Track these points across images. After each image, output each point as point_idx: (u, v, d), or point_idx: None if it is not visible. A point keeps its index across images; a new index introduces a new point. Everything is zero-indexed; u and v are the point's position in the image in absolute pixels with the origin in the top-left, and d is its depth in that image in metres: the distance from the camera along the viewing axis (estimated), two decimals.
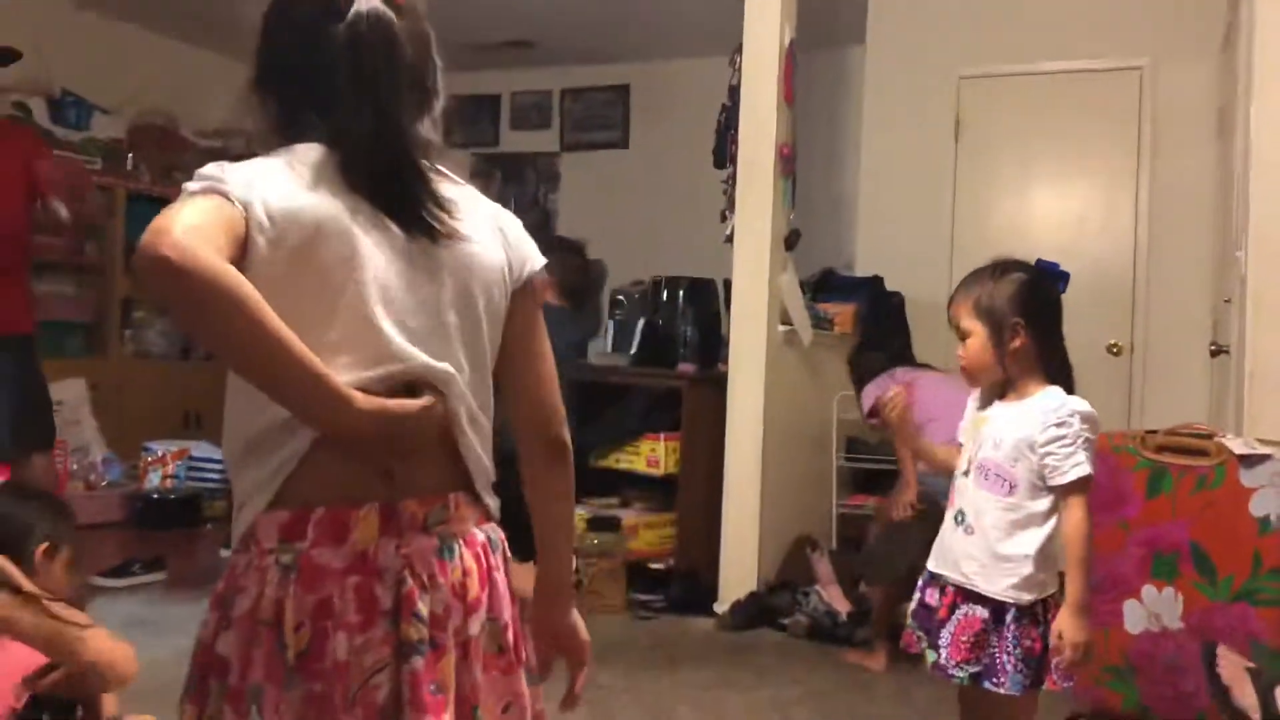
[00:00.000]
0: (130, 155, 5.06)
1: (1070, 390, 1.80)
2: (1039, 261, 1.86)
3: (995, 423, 1.82)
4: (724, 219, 3.96)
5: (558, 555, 1.21)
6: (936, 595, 1.83)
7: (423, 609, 1.01)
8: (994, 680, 1.74)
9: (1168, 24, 4.15)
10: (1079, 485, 1.72)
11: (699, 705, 2.75)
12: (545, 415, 1.18)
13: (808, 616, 3.43)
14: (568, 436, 1.19)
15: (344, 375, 0.98)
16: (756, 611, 3.50)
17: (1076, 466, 1.72)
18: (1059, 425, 1.73)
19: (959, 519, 1.83)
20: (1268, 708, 1.83)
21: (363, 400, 0.97)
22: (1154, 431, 2.58)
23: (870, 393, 3.49)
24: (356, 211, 1.02)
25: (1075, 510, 1.72)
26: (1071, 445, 1.72)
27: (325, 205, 1.01)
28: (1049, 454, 1.73)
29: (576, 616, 1.23)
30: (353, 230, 1.01)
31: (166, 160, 5.09)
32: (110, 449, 4.66)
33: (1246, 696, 1.86)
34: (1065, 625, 1.69)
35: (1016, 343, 1.78)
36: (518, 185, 5.93)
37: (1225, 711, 1.90)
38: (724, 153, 4.05)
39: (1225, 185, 3.46)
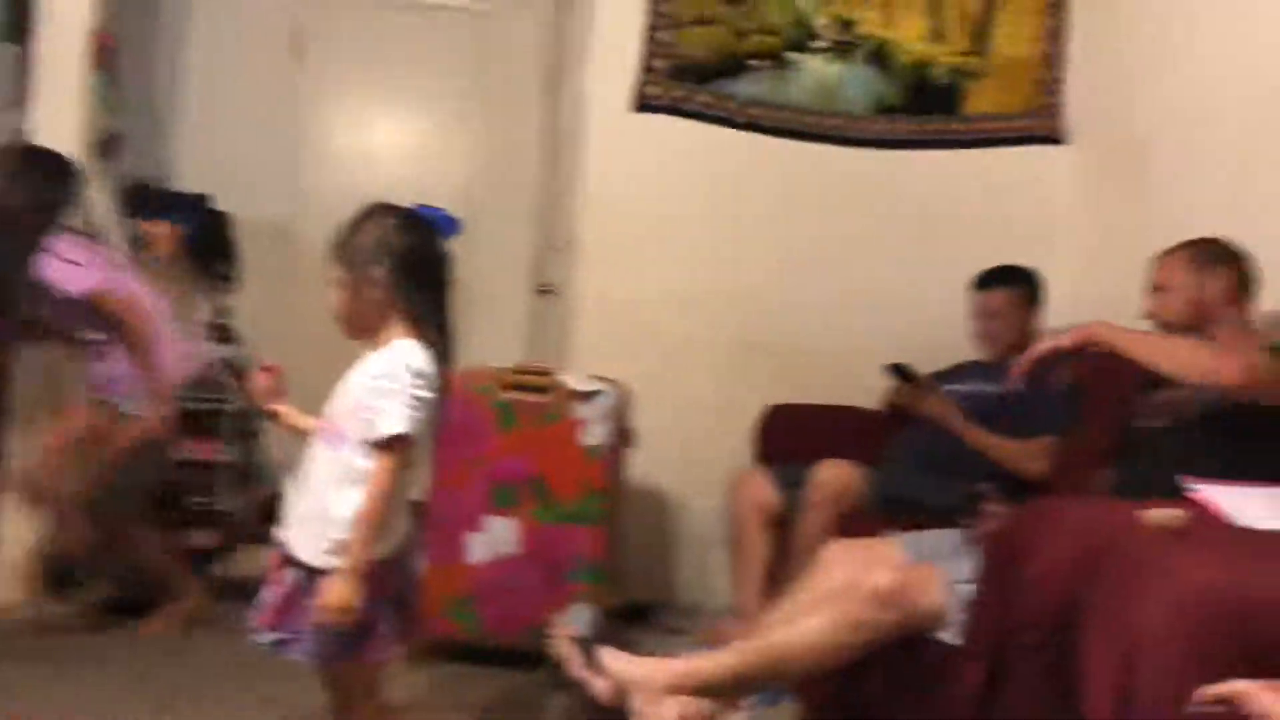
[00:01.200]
0: None
1: (443, 344, 1.82)
2: (419, 207, 1.88)
3: (352, 374, 1.82)
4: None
5: None
6: (274, 555, 1.80)
7: None
8: (296, 648, 1.72)
9: None
10: (390, 443, 1.71)
11: None
12: None
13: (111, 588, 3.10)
14: None
15: None
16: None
17: (390, 423, 1.70)
18: (385, 378, 1.73)
19: (301, 477, 1.81)
20: (596, 669, 2.10)
21: None
22: (505, 370, 2.82)
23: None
24: None
25: (379, 470, 1.71)
26: (392, 400, 1.71)
27: None
28: (369, 407, 1.72)
29: None
30: None
31: None
32: None
33: (576, 667, 2.12)
34: (328, 586, 1.69)
35: (376, 293, 1.78)
36: None
37: (563, 689, 2.16)
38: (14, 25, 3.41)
39: (554, 136, 3.88)
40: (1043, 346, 2.10)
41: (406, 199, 1.90)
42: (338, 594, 1.67)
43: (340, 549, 1.71)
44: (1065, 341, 2.06)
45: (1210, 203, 2.75)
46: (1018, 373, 2.12)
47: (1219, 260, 2.28)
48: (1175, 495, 1.70)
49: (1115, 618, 1.45)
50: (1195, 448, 2.05)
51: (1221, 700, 1.29)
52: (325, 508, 1.74)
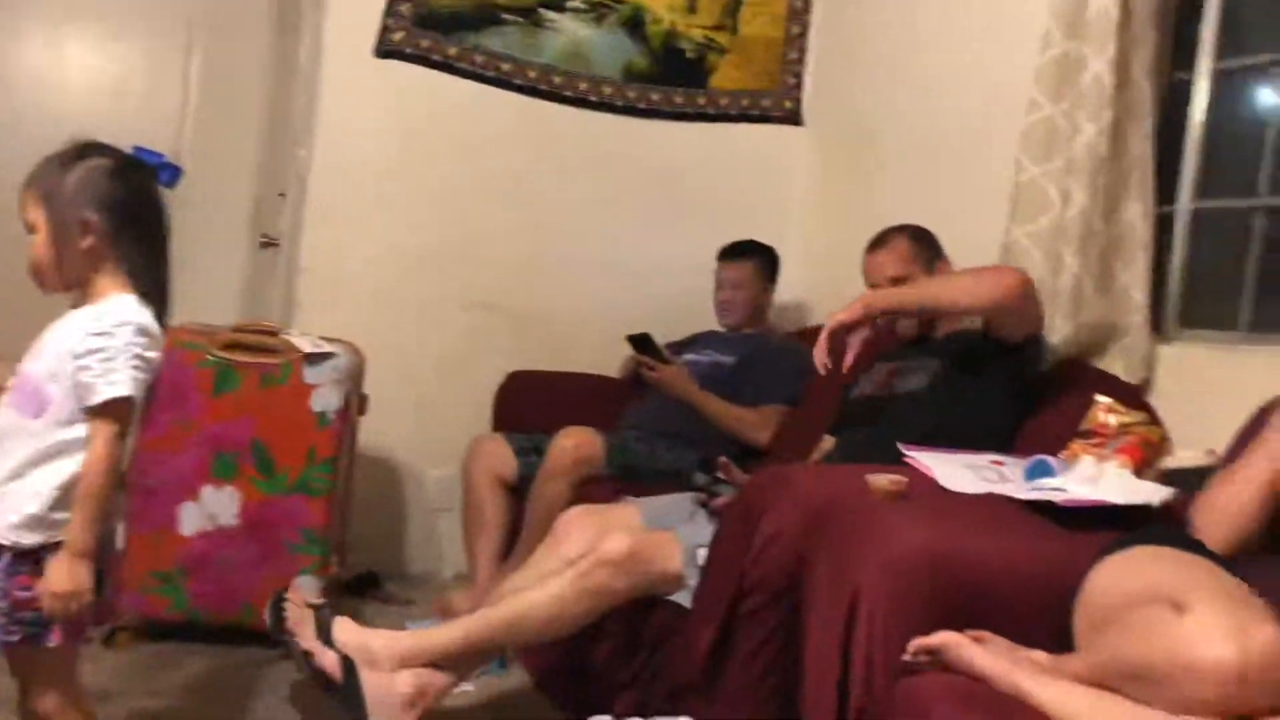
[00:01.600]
0: None
1: (160, 299, 1.69)
2: (136, 149, 1.73)
3: (52, 332, 1.65)
4: None
5: None
6: None
7: None
8: None
9: None
10: (112, 408, 1.58)
11: None
12: None
13: None
14: None
15: None
16: None
17: (113, 386, 1.57)
18: (101, 335, 1.59)
19: None
20: (327, 640, 2.05)
21: None
22: (222, 328, 2.66)
23: None
24: None
25: (100, 438, 1.58)
26: (112, 360, 1.58)
27: None
28: (84, 368, 1.58)
29: None
30: None
31: None
32: None
33: (307, 638, 2.06)
34: (53, 570, 1.57)
35: (86, 242, 1.63)
36: None
37: (294, 657, 2.10)
38: None
39: (285, 76, 3.68)
40: (831, 325, 2.09)
41: (106, 136, 1.73)
42: (68, 577, 1.54)
43: (37, 524, 1.57)
44: (848, 316, 2.08)
45: (927, 199, 2.99)
46: (819, 358, 2.09)
47: (936, 251, 2.49)
48: (896, 461, 1.85)
49: (838, 577, 1.57)
50: (910, 416, 2.24)
51: (930, 650, 1.43)
52: (12, 480, 1.58)
